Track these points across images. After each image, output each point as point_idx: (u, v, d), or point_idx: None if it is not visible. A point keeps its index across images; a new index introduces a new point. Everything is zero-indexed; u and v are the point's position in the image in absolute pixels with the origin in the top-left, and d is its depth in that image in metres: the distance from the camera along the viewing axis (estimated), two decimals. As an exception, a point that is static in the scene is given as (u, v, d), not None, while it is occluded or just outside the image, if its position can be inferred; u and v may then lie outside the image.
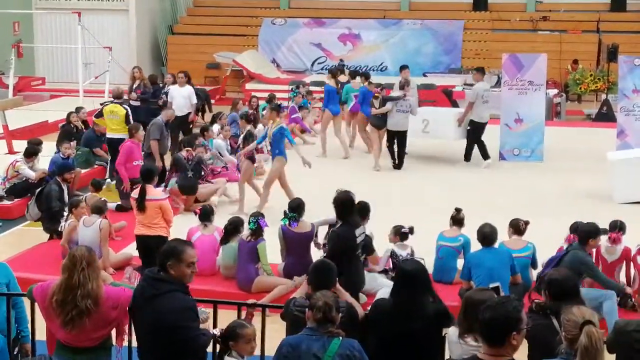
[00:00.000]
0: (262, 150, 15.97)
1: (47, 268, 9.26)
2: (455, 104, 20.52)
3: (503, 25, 26.55)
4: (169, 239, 7.09)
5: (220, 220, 10.04)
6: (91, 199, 10.10)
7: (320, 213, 9.38)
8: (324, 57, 26.35)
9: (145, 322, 5.22)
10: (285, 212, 9.29)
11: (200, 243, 9.49)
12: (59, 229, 10.56)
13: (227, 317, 6.21)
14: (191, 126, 17.06)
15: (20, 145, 14.75)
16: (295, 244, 9.25)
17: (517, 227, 8.95)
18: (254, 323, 5.53)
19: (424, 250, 9.14)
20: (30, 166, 13.02)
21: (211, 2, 29.10)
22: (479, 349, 4.22)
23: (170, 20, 28.37)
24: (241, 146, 13.02)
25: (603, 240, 8.68)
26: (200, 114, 20.62)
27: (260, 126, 15.65)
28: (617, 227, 8.78)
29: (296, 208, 9.23)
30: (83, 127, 15.90)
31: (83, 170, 14.09)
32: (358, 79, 17.32)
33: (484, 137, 15.56)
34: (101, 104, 18.80)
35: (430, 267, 8.42)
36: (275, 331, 6.10)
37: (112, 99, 15.39)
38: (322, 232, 9.18)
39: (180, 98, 16.38)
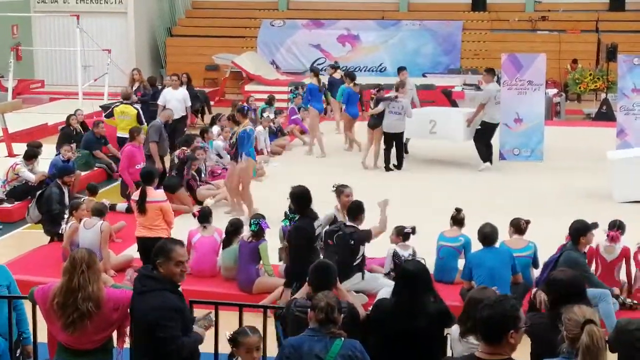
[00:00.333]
0: (263, 151, 15.99)
1: (47, 270, 9.26)
2: (454, 104, 20.47)
3: (502, 25, 26.53)
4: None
5: (217, 222, 10.04)
6: (89, 204, 10.12)
7: (320, 213, 9.35)
8: (323, 58, 26.30)
9: (134, 318, 5.29)
10: (286, 212, 9.28)
11: (201, 245, 9.53)
12: (60, 232, 10.57)
13: (228, 318, 6.21)
14: (184, 129, 16.99)
15: (20, 148, 14.76)
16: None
17: (518, 226, 8.92)
18: (255, 324, 5.51)
19: (424, 251, 9.13)
20: (30, 169, 13.02)
21: (210, 3, 29.09)
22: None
23: (168, 22, 28.34)
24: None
25: (602, 239, 8.69)
26: (199, 115, 20.66)
27: (259, 127, 15.66)
28: (616, 226, 8.77)
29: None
30: (81, 129, 15.89)
31: (83, 173, 14.12)
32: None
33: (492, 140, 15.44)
34: (100, 107, 18.88)
35: (431, 267, 8.41)
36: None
37: (120, 100, 15.72)
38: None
39: (175, 101, 16.20)
